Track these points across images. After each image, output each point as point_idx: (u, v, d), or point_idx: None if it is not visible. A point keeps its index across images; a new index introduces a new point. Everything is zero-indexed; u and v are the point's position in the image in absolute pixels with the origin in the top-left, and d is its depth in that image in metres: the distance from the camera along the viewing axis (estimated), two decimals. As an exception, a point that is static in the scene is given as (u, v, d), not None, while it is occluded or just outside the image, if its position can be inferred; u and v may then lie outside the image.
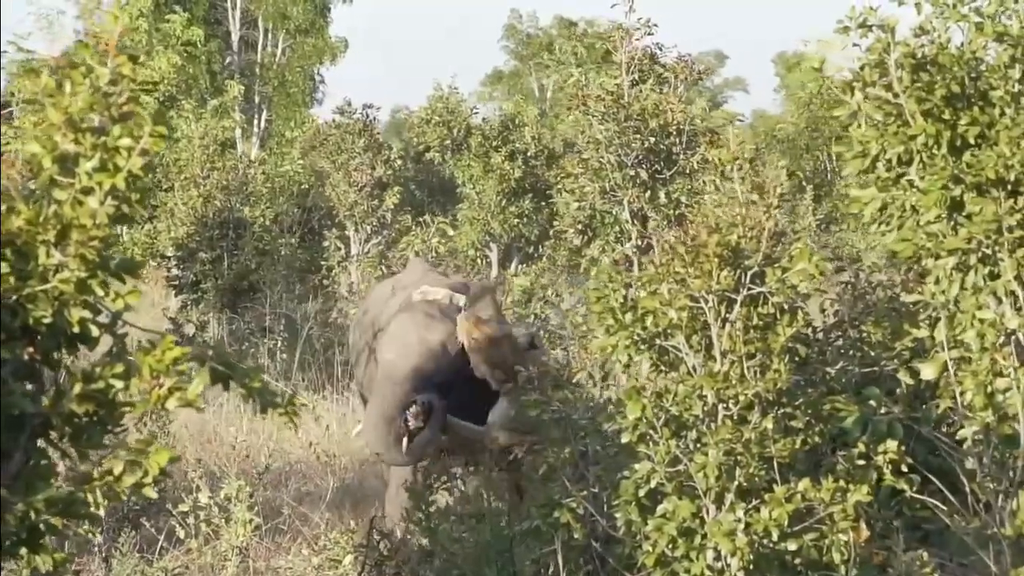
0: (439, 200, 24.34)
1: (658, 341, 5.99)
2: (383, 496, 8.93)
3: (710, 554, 5.72)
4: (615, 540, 6.24)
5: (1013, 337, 6.36)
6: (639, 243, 12.77)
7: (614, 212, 12.92)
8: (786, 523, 5.66)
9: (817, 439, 5.95)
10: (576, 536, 6.49)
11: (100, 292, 3.93)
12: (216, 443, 10.95)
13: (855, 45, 6.59)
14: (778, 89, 45.35)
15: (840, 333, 7.20)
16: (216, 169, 17.66)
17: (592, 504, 6.49)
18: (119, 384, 3.93)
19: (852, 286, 7.39)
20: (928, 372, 6.51)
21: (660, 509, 5.80)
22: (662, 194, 12.81)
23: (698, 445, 5.78)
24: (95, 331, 3.96)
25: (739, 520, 5.67)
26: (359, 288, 17.50)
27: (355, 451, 10.73)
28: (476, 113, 23.58)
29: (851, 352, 7.09)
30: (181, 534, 8.47)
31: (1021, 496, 6.24)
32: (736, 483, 5.71)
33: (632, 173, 12.81)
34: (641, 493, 5.84)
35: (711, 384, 5.75)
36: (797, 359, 6.06)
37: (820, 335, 7.04)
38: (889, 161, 6.47)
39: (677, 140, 12.93)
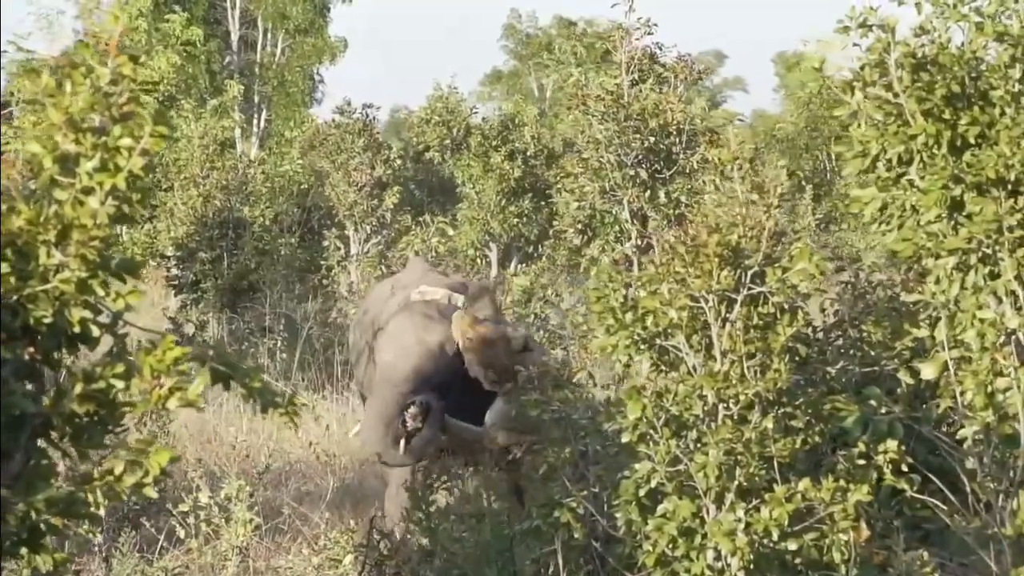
0: (439, 200, 24.33)
1: (658, 341, 5.99)
2: (383, 496, 8.93)
3: (710, 554, 5.72)
4: (615, 540, 6.24)
5: (1013, 337, 6.37)
6: (639, 243, 12.77)
7: (614, 212, 12.92)
8: (786, 523, 5.66)
9: (817, 439, 5.95)
10: (576, 536, 6.49)
11: (101, 292, 3.93)
12: (216, 443, 10.95)
13: (855, 45, 6.59)
14: (777, 89, 45.41)
15: (840, 333, 7.20)
16: (216, 169, 17.66)
17: (592, 504, 6.49)
18: (120, 384, 3.93)
19: (852, 286, 7.39)
20: (928, 372, 6.51)
21: (660, 509, 5.80)
22: (662, 194, 12.81)
23: (698, 445, 5.78)
24: (96, 331, 3.96)
25: (739, 520, 5.67)
26: (359, 288, 17.50)
27: (355, 451, 10.73)
28: (476, 113, 23.58)
29: (851, 352, 7.09)
30: (181, 534, 8.47)
31: (1021, 496, 6.24)
32: (736, 483, 5.71)
33: (632, 173, 12.81)
34: (641, 493, 5.85)
35: (711, 384, 5.75)
36: (797, 359, 6.06)
37: (820, 335, 7.04)
38: (889, 161, 6.47)
39: (677, 140, 12.94)
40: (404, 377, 8.30)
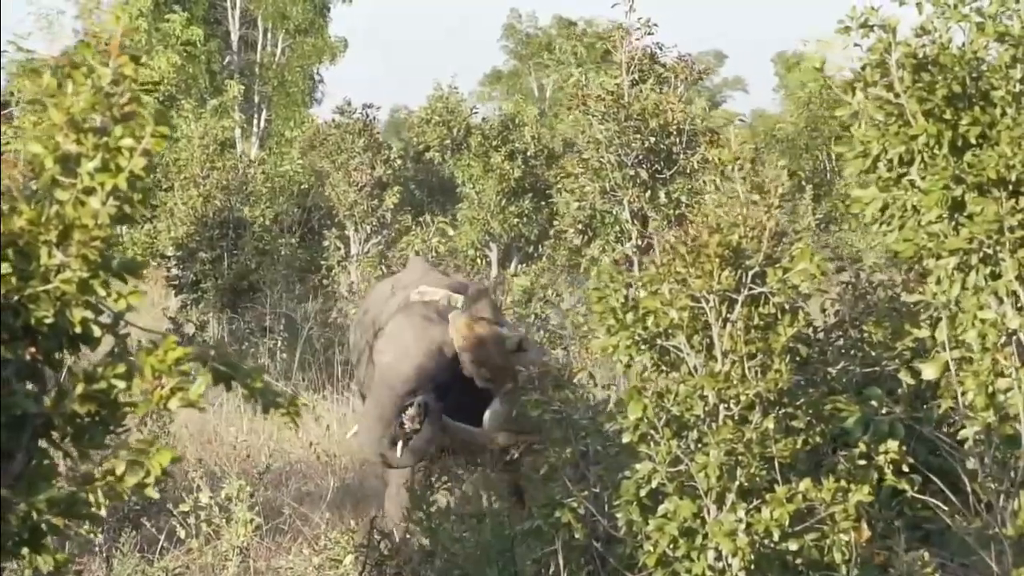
0: (439, 200, 24.34)
1: (659, 341, 5.99)
2: (383, 496, 8.93)
3: (711, 554, 5.72)
4: (616, 540, 6.24)
5: (1014, 337, 6.37)
6: (639, 243, 12.77)
7: (614, 212, 12.93)
8: (787, 523, 5.67)
9: (818, 439, 5.95)
10: (577, 536, 6.49)
11: (102, 292, 3.93)
12: (217, 443, 10.95)
13: (856, 45, 6.59)
14: (777, 89, 45.36)
15: (841, 333, 7.20)
16: (216, 169, 17.66)
17: (593, 504, 6.49)
18: (121, 384, 3.93)
19: (853, 286, 7.39)
20: (929, 372, 6.51)
21: (661, 509, 5.80)
22: (662, 194, 12.82)
23: (699, 445, 5.78)
24: (97, 331, 3.96)
25: (740, 520, 5.67)
26: (359, 288, 17.49)
27: (355, 451, 10.73)
28: (476, 113, 23.59)
29: (852, 352, 7.09)
30: (182, 534, 8.47)
31: (1022, 496, 6.24)
32: (737, 483, 5.71)
33: (632, 173, 12.81)
34: (642, 493, 5.85)
35: (712, 384, 5.75)
36: (798, 359, 6.06)
37: (821, 335, 7.04)
38: (890, 161, 6.47)
39: (677, 140, 12.94)
40: (403, 378, 8.29)
